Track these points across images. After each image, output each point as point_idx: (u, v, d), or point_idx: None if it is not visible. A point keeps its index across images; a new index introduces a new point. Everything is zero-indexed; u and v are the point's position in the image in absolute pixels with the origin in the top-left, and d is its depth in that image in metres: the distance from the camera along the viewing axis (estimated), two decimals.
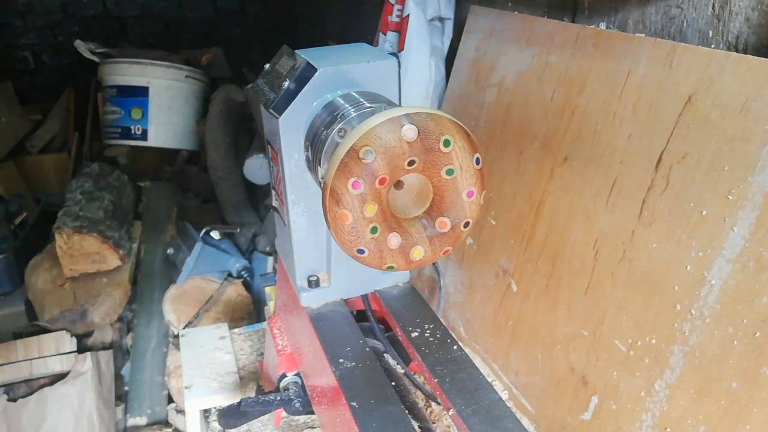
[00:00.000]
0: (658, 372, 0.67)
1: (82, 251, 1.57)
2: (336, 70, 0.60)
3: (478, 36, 1.07)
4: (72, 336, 1.48)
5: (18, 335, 1.54)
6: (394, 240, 0.52)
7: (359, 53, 0.65)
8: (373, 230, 0.50)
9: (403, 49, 1.14)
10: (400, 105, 0.61)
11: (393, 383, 0.60)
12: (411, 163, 0.49)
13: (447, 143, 0.48)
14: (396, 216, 0.52)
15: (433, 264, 1.08)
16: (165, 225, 1.86)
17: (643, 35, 0.76)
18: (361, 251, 0.51)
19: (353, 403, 0.56)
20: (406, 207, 0.53)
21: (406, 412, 0.56)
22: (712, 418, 0.61)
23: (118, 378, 1.53)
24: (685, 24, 0.73)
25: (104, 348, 1.56)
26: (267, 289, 1.50)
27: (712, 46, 0.69)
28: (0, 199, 1.88)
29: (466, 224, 0.53)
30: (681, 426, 0.64)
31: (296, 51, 0.64)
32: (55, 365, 1.43)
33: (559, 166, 0.84)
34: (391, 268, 0.53)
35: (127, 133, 2.22)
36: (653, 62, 0.71)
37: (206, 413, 1.00)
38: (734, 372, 0.60)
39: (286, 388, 0.76)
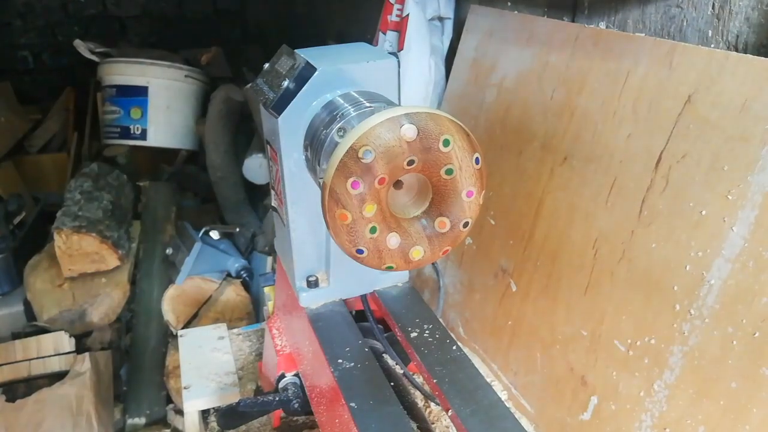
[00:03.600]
0: (657, 372, 0.67)
1: (81, 251, 1.57)
2: (335, 70, 0.60)
3: (478, 35, 1.07)
4: (70, 336, 1.48)
5: (17, 335, 1.54)
6: (393, 240, 0.51)
7: (359, 53, 0.65)
8: (372, 230, 0.50)
9: (402, 49, 1.14)
10: (399, 104, 0.61)
11: (392, 384, 0.60)
12: (410, 162, 0.49)
13: (446, 143, 0.48)
14: (395, 216, 0.52)
15: (433, 264, 1.08)
16: (164, 225, 1.85)
17: (643, 35, 0.76)
18: (360, 251, 0.51)
19: (352, 404, 0.55)
20: (406, 207, 0.53)
21: (405, 412, 0.56)
22: (712, 418, 0.61)
23: (117, 378, 1.52)
24: (684, 23, 0.73)
25: (103, 348, 1.56)
26: (266, 290, 1.50)
27: (712, 45, 0.69)
28: None
29: (466, 224, 0.53)
30: (680, 426, 0.64)
31: (296, 50, 0.64)
32: (54, 365, 1.43)
33: (559, 166, 0.84)
34: (390, 268, 0.52)
35: (126, 133, 2.22)
36: (653, 62, 0.71)
37: (205, 414, 1.00)
38: (733, 372, 0.60)
39: (284, 389, 0.76)
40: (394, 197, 0.52)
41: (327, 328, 0.66)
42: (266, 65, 0.68)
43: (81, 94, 2.57)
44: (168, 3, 2.95)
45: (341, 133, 0.55)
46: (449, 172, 0.50)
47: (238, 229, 1.76)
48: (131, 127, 2.21)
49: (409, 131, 0.47)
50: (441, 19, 1.16)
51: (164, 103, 2.23)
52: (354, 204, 0.49)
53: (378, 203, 0.50)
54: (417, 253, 0.53)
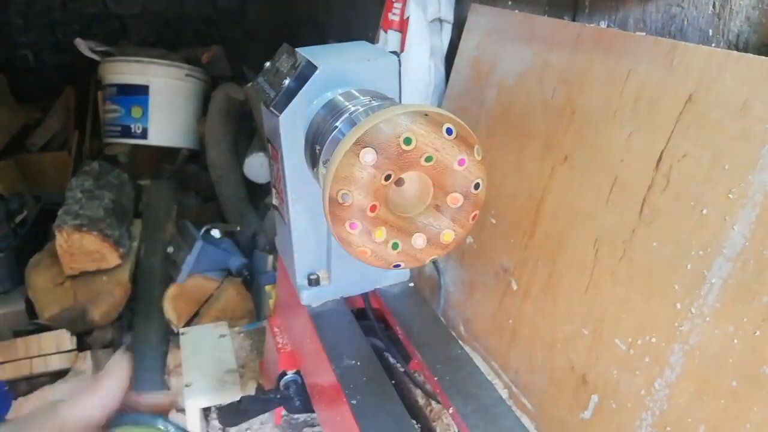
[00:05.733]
0: (658, 371, 0.67)
1: (82, 249, 1.57)
2: (336, 68, 0.60)
3: (479, 35, 1.07)
4: (72, 335, 1.48)
5: (18, 333, 1.54)
6: (419, 241, 0.51)
7: (359, 51, 0.65)
8: (395, 246, 0.50)
9: (404, 51, 1.14)
10: (401, 103, 0.61)
11: (393, 382, 0.60)
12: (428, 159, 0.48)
13: (408, 141, 0.47)
14: (406, 216, 0.51)
15: (434, 263, 1.08)
16: (165, 223, 1.86)
17: (644, 34, 0.76)
18: (397, 266, 0.51)
19: (353, 402, 0.56)
20: (413, 203, 0.52)
21: (406, 410, 0.56)
22: (712, 416, 0.61)
23: None
24: (685, 23, 0.73)
25: (104, 347, 1.56)
26: (267, 288, 1.50)
27: (713, 44, 0.69)
28: (0, 198, 1.88)
29: (477, 185, 0.51)
30: (681, 424, 0.64)
31: (296, 49, 0.64)
32: (55, 364, 1.44)
33: (560, 165, 0.84)
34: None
35: (127, 132, 2.22)
36: (654, 61, 0.71)
37: (206, 411, 1.00)
38: (734, 371, 0.60)
39: (286, 387, 0.77)
40: (400, 196, 0.52)
41: (328, 326, 0.66)
42: (267, 64, 0.68)
43: (82, 93, 2.58)
44: (168, 1, 2.95)
45: (342, 132, 0.55)
46: (429, 159, 0.49)
47: (239, 228, 1.76)
48: (132, 125, 2.21)
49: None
50: (441, 21, 1.16)
51: (165, 101, 2.23)
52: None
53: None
54: (448, 236, 0.52)
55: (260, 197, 2.00)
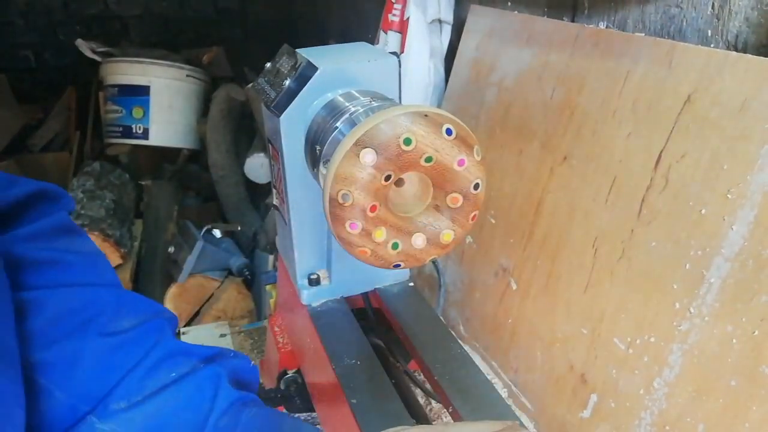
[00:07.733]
0: (657, 370, 0.67)
1: None
2: (337, 69, 0.60)
3: (478, 35, 1.07)
4: None
5: None
6: (419, 240, 0.52)
7: (360, 52, 0.65)
8: (394, 246, 0.51)
9: (404, 52, 1.15)
10: (401, 103, 0.61)
11: (393, 381, 0.61)
12: (428, 159, 0.49)
13: (407, 141, 0.47)
14: (406, 216, 0.52)
15: (433, 262, 1.08)
16: (166, 223, 1.86)
17: (643, 35, 0.77)
18: (397, 266, 0.52)
19: (353, 400, 0.56)
20: (413, 204, 0.53)
21: (406, 409, 0.57)
22: (711, 416, 0.62)
23: None
24: (684, 23, 0.73)
25: None
26: (267, 287, 1.51)
27: (712, 45, 0.70)
28: None
29: (477, 186, 0.52)
30: (680, 423, 0.64)
31: (297, 50, 0.65)
32: None
33: (559, 165, 0.84)
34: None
35: (128, 132, 2.23)
36: (653, 61, 0.71)
37: None
38: (733, 370, 0.60)
39: (286, 386, 0.77)
40: (400, 196, 0.52)
41: (328, 325, 0.67)
42: (267, 65, 0.68)
43: (83, 94, 2.58)
44: (169, 2, 2.96)
45: (343, 133, 0.55)
46: (429, 160, 0.49)
47: (239, 228, 1.76)
48: (133, 126, 2.22)
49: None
50: (440, 22, 1.16)
51: (166, 102, 2.23)
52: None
53: (385, 221, 0.50)
54: (448, 236, 0.52)
55: (261, 197, 2.00)
